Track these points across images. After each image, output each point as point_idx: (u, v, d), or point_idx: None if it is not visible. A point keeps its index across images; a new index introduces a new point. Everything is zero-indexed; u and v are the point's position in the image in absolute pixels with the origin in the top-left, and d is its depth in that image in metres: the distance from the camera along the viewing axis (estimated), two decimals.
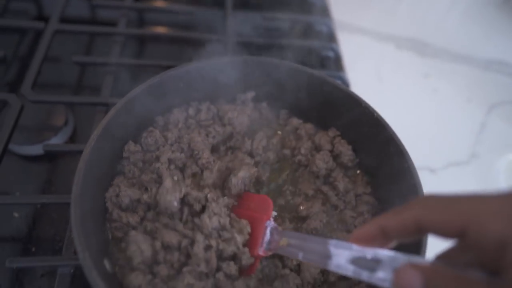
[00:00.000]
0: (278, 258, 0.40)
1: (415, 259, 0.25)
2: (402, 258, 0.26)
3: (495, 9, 0.91)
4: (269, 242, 0.37)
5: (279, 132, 0.51)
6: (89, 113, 0.59)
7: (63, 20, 0.63)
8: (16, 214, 0.50)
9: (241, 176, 0.41)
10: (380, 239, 0.26)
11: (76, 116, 0.59)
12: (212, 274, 0.35)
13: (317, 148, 0.49)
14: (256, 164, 0.46)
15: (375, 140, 0.46)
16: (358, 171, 0.48)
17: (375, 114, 0.45)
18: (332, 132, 0.50)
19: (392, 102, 0.68)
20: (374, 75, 0.74)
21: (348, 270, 0.28)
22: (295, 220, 0.44)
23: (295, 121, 0.51)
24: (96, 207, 0.38)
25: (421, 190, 0.39)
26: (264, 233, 0.37)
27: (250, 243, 0.38)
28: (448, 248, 0.26)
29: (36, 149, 0.54)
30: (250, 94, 0.50)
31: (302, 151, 0.48)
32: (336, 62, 0.71)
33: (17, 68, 0.65)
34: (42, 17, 0.69)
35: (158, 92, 0.43)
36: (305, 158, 0.48)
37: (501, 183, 0.61)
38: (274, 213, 0.39)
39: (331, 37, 0.75)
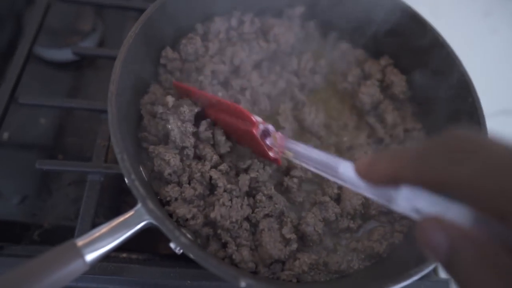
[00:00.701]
0: (318, 184, 0.37)
1: (447, 207, 0.19)
2: (425, 196, 0.20)
3: None
4: (275, 149, 0.33)
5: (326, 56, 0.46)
6: (118, 19, 0.55)
7: None
8: (42, 120, 0.48)
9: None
10: (388, 182, 0.21)
11: (105, 22, 0.55)
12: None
13: (366, 77, 0.45)
14: (302, 86, 0.42)
15: (436, 71, 0.41)
16: (409, 106, 0.44)
17: (441, 39, 0.40)
18: (384, 60, 0.45)
19: (448, 39, 0.61)
20: (430, 9, 0.66)
21: (363, 189, 0.24)
22: (338, 152, 0.41)
23: (344, 46, 0.46)
24: (131, 113, 0.35)
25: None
26: (264, 140, 0.33)
27: (260, 151, 0.34)
28: None
29: (64, 54, 0.51)
30: (299, 10, 0.44)
31: (349, 78, 0.44)
32: None
33: None
34: None
35: None
36: (351, 87, 0.44)
37: None
38: (258, 118, 0.33)
39: None
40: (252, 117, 0.33)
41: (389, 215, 0.37)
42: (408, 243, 0.35)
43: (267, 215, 0.33)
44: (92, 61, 0.53)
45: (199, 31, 0.41)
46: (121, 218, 0.29)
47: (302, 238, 0.34)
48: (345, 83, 0.44)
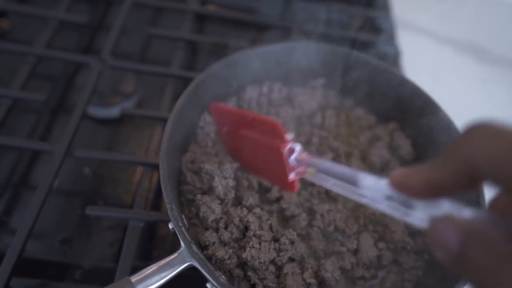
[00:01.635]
0: (339, 234, 0.42)
1: (460, 209, 0.21)
2: (445, 204, 0.21)
3: None
4: (297, 168, 0.34)
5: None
6: (155, 83, 0.63)
7: None
8: (86, 170, 0.54)
9: None
10: (425, 194, 0.21)
11: (143, 86, 0.62)
12: None
13: (376, 139, 0.51)
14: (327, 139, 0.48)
15: (436, 136, 0.47)
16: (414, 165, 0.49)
17: (443, 115, 0.46)
18: (392, 125, 0.51)
19: (447, 105, 0.68)
20: (430, 76, 0.74)
21: (381, 203, 0.25)
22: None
23: (359, 111, 0.53)
24: (173, 169, 0.41)
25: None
26: (288, 159, 0.34)
27: (278, 175, 0.35)
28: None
29: (107, 112, 0.58)
30: (321, 81, 0.51)
31: (361, 139, 0.50)
32: (394, 59, 0.71)
33: (88, 35, 0.69)
34: None
35: (235, 69, 0.46)
36: (363, 147, 0.50)
37: None
38: (291, 135, 0.35)
39: (391, 34, 0.76)
40: (285, 135, 0.34)
41: (400, 266, 0.41)
42: None
43: (290, 259, 0.38)
44: (131, 119, 0.60)
45: (233, 99, 0.48)
46: (167, 259, 0.33)
47: (321, 283, 0.38)
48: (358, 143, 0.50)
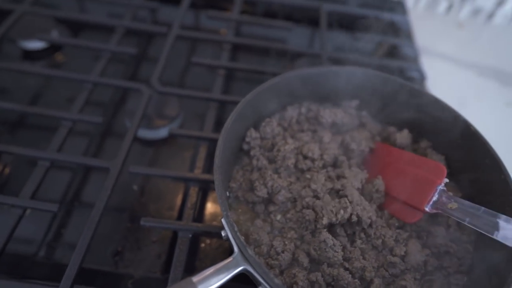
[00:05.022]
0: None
1: None
2: None
3: None
4: (437, 202, 0.42)
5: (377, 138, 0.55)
6: (196, 107, 0.68)
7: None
8: (135, 187, 0.58)
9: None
10: None
11: (185, 109, 0.67)
12: None
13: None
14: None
15: (468, 152, 0.49)
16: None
17: (472, 129, 0.48)
18: (424, 143, 0.54)
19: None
20: (455, 100, 0.76)
21: None
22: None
23: (392, 129, 0.56)
24: (224, 181, 0.44)
25: None
26: (434, 194, 0.42)
27: (417, 198, 0.43)
28: None
29: (153, 133, 0.62)
30: (355, 102, 0.55)
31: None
32: (421, 83, 0.74)
33: (133, 65, 0.75)
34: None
35: (280, 89, 0.50)
36: None
37: None
38: (446, 180, 0.43)
39: (415, 59, 0.79)
40: (444, 176, 0.43)
41: (443, 269, 0.43)
42: None
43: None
44: (174, 141, 0.64)
45: (276, 117, 0.52)
46: (224, 263, 0.36)
47: None
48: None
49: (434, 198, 0.43)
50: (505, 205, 0.43)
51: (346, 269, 0.41)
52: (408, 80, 0.75)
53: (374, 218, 0.44)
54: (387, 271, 0.42)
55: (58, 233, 0.53)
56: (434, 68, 0.80)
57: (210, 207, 0.57)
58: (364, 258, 0.42)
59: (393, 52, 0.81)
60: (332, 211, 0.42)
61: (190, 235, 0.47)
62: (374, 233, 0.43)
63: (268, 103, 0.51)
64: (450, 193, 0.43)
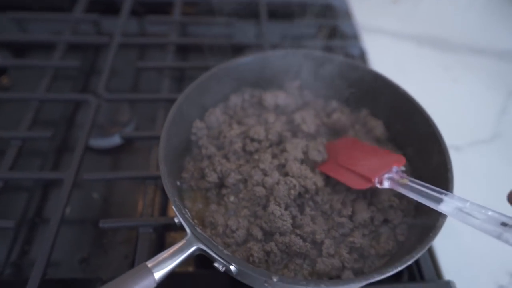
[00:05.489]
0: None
1: None
2: None
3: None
4: (390, 178, 0.44)
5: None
6: (148, 110, 0.69)
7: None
8: (95, 195, 0.59)
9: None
10: None
11: (138, 113, 0.68)
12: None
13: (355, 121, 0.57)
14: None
15: (403, 114, 0.52)
16: (389, 144, 0.55)
17: (401, 91, 0.52)
18: (363, 112, 0.57)
19: (414, 93, 0.75)
20: (397, 70, 0.80)
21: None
22: None
23: (334, 103, 0.58)
24: (174, 170, 0.46)
25: (450, 164, 0.44)
26: (388, 171, 0.44)
27: (370, 170, 0.45)
28: None
29: (106, 142, 0.63)
30: (296, 83, 0.58)
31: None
32: (361, 59, 0.78)
33: (81, 79, 0.76)
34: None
35: (219, 80, 0.52)
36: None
37: None
38: (403, 168, 0.45)
39: (355, 37, 0.83)
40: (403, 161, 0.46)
41: (389, 222, 0.46)
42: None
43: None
44: (130, 147, 0.65)
45: (220, 106, 0.54)
46: (177, 246, 0.38)
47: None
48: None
49: (388, 175, 0.44)
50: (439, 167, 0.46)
51: (297, 235, 0.43)
52: (350, 57, 0.78)
53: (320, 184, 0.46)
54: (337, 231, 0.44)
55: (22, 251, 0.53)
56: (374, 43, 0.84)
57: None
58: (314, 223, 0.45)
59: (334, 33, 0.84)
60: (285, 195, 0.44)
61: (151, 230, 0.49)
62: (322, 199, 0.46)
63: (211, 94, 0.53)
64: (405, 174, 0.44)
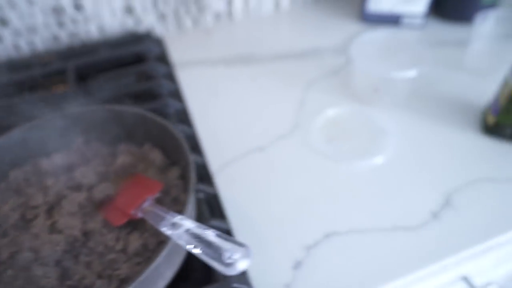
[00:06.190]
0: None
1: None
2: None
3: (307, 10, 1.11)
4: (143, 208, 0.48)
5: None
6: None
7: None
8: None
9: None
10: None
11: None
12: None
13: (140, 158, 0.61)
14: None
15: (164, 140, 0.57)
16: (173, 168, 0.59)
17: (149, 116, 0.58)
18: (147, 146, 0.61)
19: (226, 107, 0.82)
20: (209, 94, 0.88)
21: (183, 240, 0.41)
22: None
23: (122, 146, 0.62)
24: None
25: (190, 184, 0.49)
26: (143, 202, 0.48)
27: (127, 204, 0.49)
28: None
29: None
30: (80, 140, 0.61)
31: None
32: (177, 94, 0.84)
33: None
34: None
35: None
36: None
37: (318, 139, 0.74)
38: (157, 195, 0.50)
39: (169, 75, 0.89)
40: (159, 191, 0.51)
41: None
42: None
43: None
44: None
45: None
46: None
47: None
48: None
49: (145, 204, 0.49)
50: None
51: (68, 286, 0.45)
52: (160, 96, 0.83)
53: (97, 226, 0.49)
54: (111, 269, 0.47)
55: None
56: (187, 76, 0.91)
57: None
58: (89, 268, 0.47)
59: (150, 76, 0.89)
60: (50, 254, 0.46)
61: None
62: (95, 243, 0.48)
63: None
64: (155, 204, 0.49)
